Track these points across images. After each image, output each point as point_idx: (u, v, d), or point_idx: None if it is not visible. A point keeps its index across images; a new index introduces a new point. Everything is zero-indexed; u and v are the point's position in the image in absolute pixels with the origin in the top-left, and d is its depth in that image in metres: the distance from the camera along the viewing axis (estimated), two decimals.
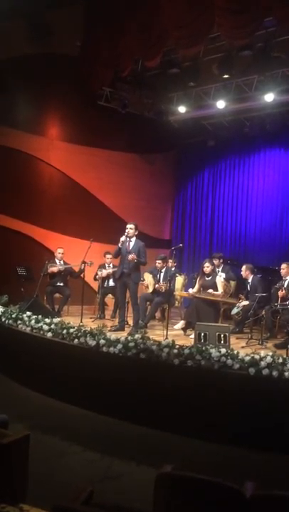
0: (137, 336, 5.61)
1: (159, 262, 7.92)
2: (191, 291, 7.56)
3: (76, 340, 5.87)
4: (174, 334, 6.83)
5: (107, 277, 8.39)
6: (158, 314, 8.26)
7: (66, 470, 4.11)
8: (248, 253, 10.41)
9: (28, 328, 6.48)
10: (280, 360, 4.86)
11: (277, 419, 4.65)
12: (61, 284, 8.28)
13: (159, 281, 7.84)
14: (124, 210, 10.45)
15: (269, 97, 8.41)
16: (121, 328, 7.07)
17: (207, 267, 7.31)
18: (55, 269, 8.20)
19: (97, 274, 8.45)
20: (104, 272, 8.37)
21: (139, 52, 7.68)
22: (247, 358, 4.96)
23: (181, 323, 7.50)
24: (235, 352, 5.13)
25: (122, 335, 5.97)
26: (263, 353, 5.04)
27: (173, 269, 8.34)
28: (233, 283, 8.40)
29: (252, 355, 5.00)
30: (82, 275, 7.96)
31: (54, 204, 9.78)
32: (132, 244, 7.01)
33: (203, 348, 5.16)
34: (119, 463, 4.31)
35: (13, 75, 8.65)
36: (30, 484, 2.94)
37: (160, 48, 7.32)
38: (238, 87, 8.80)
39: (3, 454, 2.74)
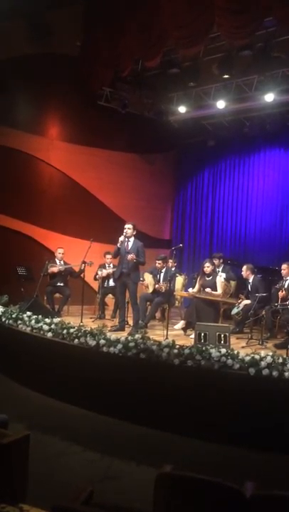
0: (137, 336, 5.61)
1: (159, 262, 7.92)
2: (191, 291, 7.56)
3: (76, 340, 5.87)
4: (174, 334, 6.83)
5: (107, 277, 8.39)
6: (158, 314, 8.26)
7: (66, 470, 4.11)
8: (248, 253, 10.41)
9: (28, 328, 6.48)
10: (280, 360, 4.86)
11: (277, 419, 4.65)
12: (61, 284, 8.28)
13: (159, 281, 7.84)
14: (124, 210, 10.45)
15: (269, 97, 8.41)
16: (121, 328, 7.07)
17: (207, 267, 7.31)
18: (55, 269, 8.20)
19: (97, 274, 8.45)
20: (104, 272, 8.37)
21: (139, 53, 7.67)
22: (247, 358, 4.96)
23: (181, 323, 7.50)
24: (236, 352, 5.13)
25: (122, 335, 5.97)
26: (263, 353, 5.04)
27: (173, 269, 8.34)
28: (233, 283, 8.40)
29: (252, 355, 5.00)
30: (82, 275, 7.96)
31: (54, 204, 9.78)
32: (130, 244, 7.02)
33: (204, 348, 5.16)
34: (119, 463, 4.31)
35: (13, 75, 8.65)
36: (30, 484, 2.94)
37: (160, 48, 7.32)
38: (238, 87, 8.80)
39: (3, 454, 2.74)
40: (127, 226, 7.05)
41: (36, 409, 5.59)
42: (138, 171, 10.92)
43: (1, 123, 8.97)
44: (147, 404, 5.25)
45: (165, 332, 6.45)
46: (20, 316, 6.72)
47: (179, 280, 8.72)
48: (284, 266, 7.40)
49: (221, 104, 9.04)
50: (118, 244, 7.04)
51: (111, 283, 8.34)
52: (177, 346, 5.32)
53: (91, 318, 8.00)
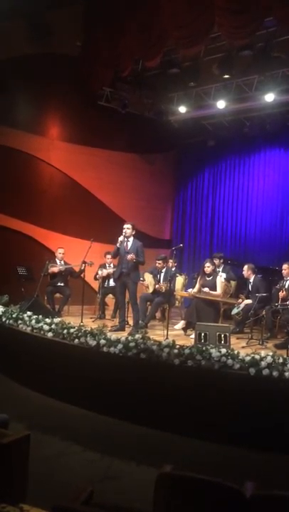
0: (137, 336, 5.61)
1: (160, 262, 7.92)
2: (191, 291, 7.56)
3: (76, 340, 5.87)
4: (175, 334, 6.83)
5: (108, 277, 8.40)
6: (158, 314, 8.26)
7: (66, 470, 4.11)
8: (248, 253, 10.41)
9: (29, 328, 6.48)
10: (281, 360, 4.86)
11: (278, 419, 4.65)
12: (61, 284, 8.28)
13: (159, 281, 7.84)
14: (124, 210, 10.45)
15: (269, 97, 8.41)
16: (121, 328, 7.07)
17: (208, 267, 7.31)
18: (55, 269, 8.20)
19: (97, 273, 8.46)
20: (104, 272, 8.37)
21: (139, 53, 7.68)
22: (247, 358, 4.96)
23: (181, 323, 7.51)
24: (236, 352, 5.13)
25: (123, 335, 5.96)
26: (263, 353, 5.04)
27: (173, 269, 8.34)
28: (233, 283, 8.40)
29: (252, 355, 5.00)
30: (82, 275, 7.95)
31: (54, 204, 9.79)
32: (129, 244, 7.02)
33: (204, 348, 5.16)
34: (120, 463, 4.31)
35: (13, 74, 8.65)
36: (30, 484, 2.94)
37: (160, 48, 7.32)
38: (239, 87, 8.80)
39: (4, 453, 2.74)
40: (126, 226, 7.06)
41: (36, 409, 5.59)
42: (138, 171, 10.92)
43: (2, 123, 8.97)
44: (147, 404, 5.25)
45: (165, 332, 6.45)
46: (21, 316, 6.72)
47: (179, 280, 8.72)
48: (285, 266, 7.40)
49: (221, 104, 9.04)
50: (117, 244, 7.04)
51: (111, 283, 8.34)
52: (177, 346, 5.32)
53: (91, 318, 8.01)
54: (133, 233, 7.06)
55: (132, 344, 5.42)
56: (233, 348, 5.46)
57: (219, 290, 7.20)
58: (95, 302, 8.64)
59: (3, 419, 3.50)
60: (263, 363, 4.83)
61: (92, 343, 5.69)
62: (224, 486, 2.32)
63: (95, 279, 8.54)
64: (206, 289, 7.16)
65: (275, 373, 4.75)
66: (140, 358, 5.36)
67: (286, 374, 4.74)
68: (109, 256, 8.28)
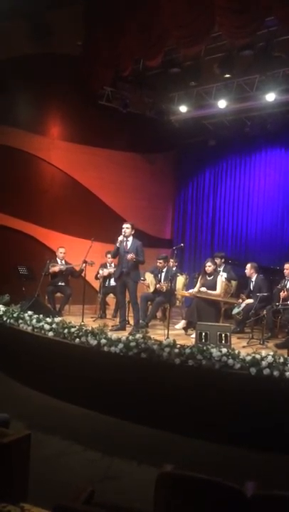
0: (138, 335, 5.61)
1: (160, 261, 7.92)
2: (192, 290, 7.56)
3: (77, 339, 5.87)
4: (175, 334, 6.83)
5: (109, 277, 8.40)
6: (159, 314, 8.26)
7: (67, 469, 4.12)
8: (249, 253, 10.41)
9: (30, 328, 6.48)
10: (281, 360, 4.86)
11: (278, 419, 4.65)
12: (62, 284, 8.29)
13: (160, 280, 7.84)
14: (125, 210, 10.45)
15: (270, 97, 8.40)
16: (122, 328, 7.07)
17: (209, 267, 7.31)
18: (56, 268, 8.20)
19: (98, 273, 8.46)
20: (105, 272, 8.37)
21: (139, 52, 7.67)
22: (248, 358, 4.95)
23: (182, 323, 7.51)
24: (237, 352, 5.12)
25: (123, 334, 5.96)
26: (264, 352, 5.04)
27: (174, 268, 8.33)
28: (234, 283, 8.40)
29: (253, 354, 5.00)
30: (83, 274, 7.95)
31: (55, 203, 9.79)
32: (129, 243, 7.03)
33: (204, 348, 5.16)
34: (120, 462, 4.31)
35: (13, 74, 8.66)
36: (30, 483, 2.94)
37: (161, 48, 7.31)
38: (239, 87, 8.79)
39: (4, 453, 2.74)
40: (125, 226, 7.06)
41: (37, 409, 5.60)
42: (139, 170, 10.92)
43: (2, 122, 8.98)
44: (148, 403, 5.25)
45: (166, 332, 6.45)
46: (22, 316, 6.72)
47: (180, 280, 8.72)
48: (286, 265, 7.40)
49: (222, 104, 9.04)
50: (117, 244, 7.05)
51: (112, 282, 8.34)
52: (178, 346, 5.32)
53: (92, 317, 8.01)
54: (132, 233, 7.07)
55: (132, 344, 5.42)
56: (234, 347, 5.45)
57: (218, 290, 7.19)
58: (95, 302, 8.64)
59: (4, 419, 3.51)
60: (264, 363, 4.82)
61: (93, 342, 5.69)
62: (225, 485, 2.32)
63: (96, 278, 8.54)
64: (204, 289, 7.16)
65: (275, 373, 4.75)
66: (141, 358, 5.36)
67: (287, 374, 4.74)
68: (110, 255, 8.29)
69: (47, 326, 6.27)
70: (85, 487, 2.57)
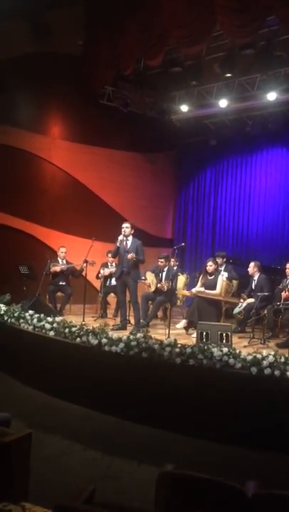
0: (139, 335, 5.61)
1: (162, 260, 7.92)
2: (194, 290, 7.55)
3: (78, 339, 5.87)
4: (176, 333, 6.82)
5: (110, 276, 8.40)
6: (160, 313, 8.26)
7: (67, 469, 4.12)
8: (250, 252, 10.40)
9: (31, 327, 6.48)
10: (282, 360, 4.85)
11: (279, 419, 4.64)
12: (63, 283, 8.29)
13: (161, 280, 7.84)
14: (125, 209, 10.45)
15: (271, 96, 8.39)
16: (123, 328, 7.07)
17: (210, 266, 7.31)
18: (57, 268, 8.21)
19: (99, 272, 8.46)
20: (106, 271, 8.37)
21: (139, 52, 7.67)
22: (249, 358, 4.95)
23: (183, 323, 7.50)
24: (237, 351, 5.12)
25: (124, 334, 5.96)
26: (265, 352, 5.03)
27: (175, 268, 8.33)
28: (235, 282, 8.39)
29: (254, 354, 4.99)
30: (84, 273, 7.95)
31: (56, 203, 9.79)
32: (129, 243, 7.03)
33: (205, 347, 5.15)
34: (120, 462, 4.31)
35: (14, 74, 8.66)
36: (31, 483, 2.94)
37: (161, 48, 7.30)
38: (241, 86, 8.78)
39: (5, 452, 2.74)
40: (124, 225, 7.07)
41: (38, 408, 5.60)
42: (140, 170, 10.92)
43: (3, 122, 8.98)
44: (148, 403, 5.25)
45: (167, 331, 6.44)
46: (23, 315, 6.72)
47: (181, 279, 8.71)
48: (288, 265, 7.38)
49: (223, 103, 9.04)
50: (117, 244, 7.05)
51: (113, 282, 8.34)
52: (179, 345, 5.32)
53: (93, 317, 8.01)
54: (132, 232, 7.07)
55: (133, 343, 5.42)
56: (235, 347, 5.45)
57: (218, 289, 7.18)
58: (96, 301, 8.64)
59: (5, 418, 3.51)
60: (265, 363, 4.82)
61: (94, 342, 5.68)
62: (225, 485, 2.32)
63: (97, 278, 8.55)
64: (202, 289, 7.17)
65: (276, 372, 4.74)
66: (142, 357, 5.35)
67: (288, 373, 4.73)
68: (110, 255, 8.29)
69: (48, 326, 6.27)
70: (86, 486, 2.57)
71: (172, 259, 8.26)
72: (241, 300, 7.45)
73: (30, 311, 6.78)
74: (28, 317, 6.63)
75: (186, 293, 8.24)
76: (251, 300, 7.28)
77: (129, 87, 9.55)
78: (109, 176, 10.38)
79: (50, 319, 6.43)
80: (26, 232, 9.45)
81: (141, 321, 7.19)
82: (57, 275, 8.25)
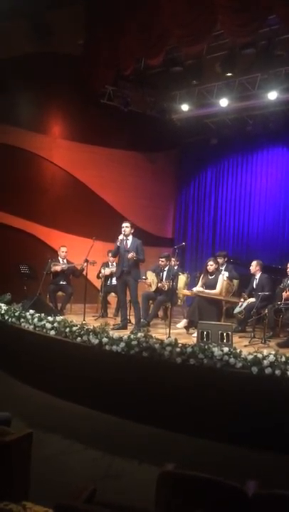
0: (139, 334, 5.61)
1: (162, 260, 7.92)
2: (195, 289, 7.55)
3: (79, 338, 5.87)
4: (177, 333, 6.82)
5: (110, 276, 8.40)
6: (160, 313, 8.26)
7: (67, 468, 4.12)
8: (250, 252, 10.39)
9: (31, 327, 6.49)
10: (283, 359, 4.85)
11: (279, 419, 4.64)
12: (64, 283, 8.30)
13: (161, 279, 7.84)
14: (126, 209, 10.45)
15: (272, 95, 8.39)
16: (123, 327, 7.06)
17: (211, 266, 7.31)
18: (58, 267, 8.21)
19: (100, 272, 8.47)
20: (107, 271, 8.37)
21: (140, 52, 7.66)
22: (250, 357, 4.94)
23: (183, 322, 7.50)
24: (238, 351, 5.12)
25: (125, 333, 5.96)
26: (265, 351, 5.03)
27: (176, 267, 8.33)
28: (236, 282, 8.38)
29: (254, 354, 4.99)
30: (84, 273, 7.95)
31: (56, 202, 9.79)
32: (129, 242, 7.04)
33: (206, 347, 5.15)
34: (121, 461, 4.31)
35: (14, 74, 8.67)
36: (31, 482, 2.95)
37: (162, 47, 7.29)
38: (241, 86, 8.78)
39: (6, 452, 2.74)
40: (124, 225, 7.07)
41: (38, 408, 5.60)
42: (140, 169, 10.91)
43: (4, 121, 8.98)
44: (149, 403, 5.25)
45: (167, 330, 6.44)
46: (23, 315, 6.72)
47: (182, 279, 8.71)
48: None
49: (223, 103, 9.03)
50: (118, 243, 7.05)
51: (114, 281, 8.34)
52: (179, 345, 5.31)
53: (93, 316, 8.01)
54: (132, 231, 7.08)
55: (134, 343, 5.42)
56: (236, 346, 5.45)
57: (218, 288, 7.18)
58: (97, 301, 8.64)
59: (6, 418, 3.51)
60: (266, 362, 4.82)
61: (95, 341, 5.69)
62: (226, 484, 2.32)
63: (98, 277, 8.55)
64: (201, 289, 7.17)
65: (277, 372, 4.74)
66: (142, 357, 5.36)
67: (288, 373, 4.73)
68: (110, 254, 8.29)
69: (48, 325, 6.27)
70: (87, 486, 2.57)
71: (173, 259, 8.26)
72: (242, 299, 7.44)
73: (31, 311, 6.79)
74: (29, 316, 6.63)
75: (187, 292, 8.24)
76: (252, 299, 7.27)
77: (130, 86, 9.55)
78: (109, 175, 10.38)
79: (50, 319, 6.43)
80: (27, 232, 9.46)
81: (141, 320, 7.20)
82: (57, 275, 8.25)
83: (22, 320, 6.67)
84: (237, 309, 7.50)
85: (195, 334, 6.30)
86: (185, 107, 9.74)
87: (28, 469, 2.96)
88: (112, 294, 8.47)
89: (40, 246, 9.54)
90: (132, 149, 10.72)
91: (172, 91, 9.73)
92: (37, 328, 6.39)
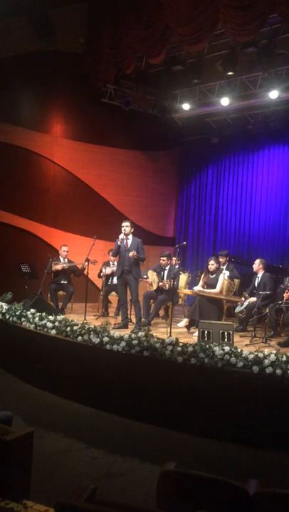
0: (140, 333, 5.61)
1: (164, 258, 7.92)
2: (196, 288, 7.55)
3: (80, 337, 5.87)
4: (178, 332, 6.83)
5: (111, 275, 8.40)
6: (161, 312, 8.26)
7: (69, 467, 4.12)
8: (251, 251, 10.39)
9: (32, 326, 6.49)
10: (284, 359, 4.85)
11: (280, 418, 4.64)
12: (65, 282, 8.30)
13: (162, 278, 7.84)
14: (127, 208, 10.46)
15: (273, 94, 8.38)
16: (124, 327, 7.07)
17: (212, 265, 7.30)
18: (59, 267, 8.21)
19: (101, 271, 8.47)
20: (108, 270, 8.37)
21: (142, 50, 7.67)
22: (250, 356, 4.94)
23: (184, 321, 7.50)
24: (239, 350, 5.12)
25: (126, 332, 5.96)
26: (266, 351, 5.03)
27: (177, 266, 8.33)
28: (237, 281, 8.38)
29: (255, 353, 4.99)
30: (85, 272, 7.95)
31: (57, 201, 9.80)
32: (129, 241, 7.05)
33: (207, 346, 5.15)
34: (122, 460, 4.31)
35: (17, 72, 8.68)
36: (33, 481, 2.95)
37: (164, 46, 7.30)
38: (243, 84, 8.78)
39: (7, 450, 2.74)
40: (124, 224, 7.08)
41: (39, 406, 5.60)
42: (141, 168, 10.92)
43: (5, 120, 8.99)
44: (150, 402, 5.25)
45: (168, 330, 6.44)
46: (24, 314, 6.73)
47: (183, 278, 8.71)
48: None
49: (225, 102, 9.02)
50: (118, 242, 7.05)
51: (115, 281, 8.33)
52: (180, 344, 5.31)
53: (95, 315, 8.01)
54: (132, 230, 7.08)
55: (135, 342, 5.42)
56: (237, 346, 5.45)
57: (218, 288, 7.18)
58: (98, 300, 8.64)
59: (7, 416, 3.51)
60: (267, 361, 4.82)
61: (96, 340, 5.69)
62: (227, 483, 2.32)
63: (99, 276, 8.55)
64: (200, 288, 7.17)
65: (278, 371, 4.74)
66: (143, 356, 5.36)
67: None
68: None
69: (49, 324, 6.27)
70: (88, 485, 2.57)
71: (174, 258, 8.26)
72: (243, 299, 7.44)
73: (32, 310, 6.79)
74: (30, 316, 6.63)
75: (188, 292, 8.24)
76: (253, 299, 7.27)
77: (131, 85, 9.55)
78: (110, 174, 10.39)
79: (51, 318, 6.43)
80: (28, 231, 9.46)
81: (142, 319, 7.20)
82: (59, 274, 8.25)
83: (23, 319, 6.67)
84: (238, 308, 7.50)
85: (196, 333, 6.30)
86: (186, 106, 9.74)
87: (29, 468, 2.95)
88: (113, 293, 8.47)
89: (41, 245, 9.54)
90: (133, 148, 10.72)
91: (173, 90, 9.73)
92: (38, 328, 6.40)
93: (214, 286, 7.20)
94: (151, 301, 7.83)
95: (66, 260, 8.40)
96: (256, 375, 4.81)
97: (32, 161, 9.52)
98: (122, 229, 7.04)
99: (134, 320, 7.29)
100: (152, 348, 5.32)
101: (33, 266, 8.13)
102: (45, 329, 6.29)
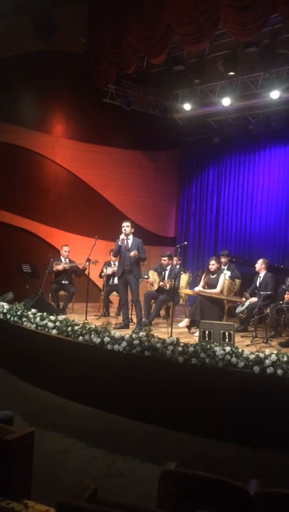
0: (141, 333, 5.61)
1: (165, 258, 7.91)
2: (196, 288, 7.55)
3: (81, 337, 5.88)
4: (179, 332, 6.83)
5: (112, 275, 8.40)
6: (162, 312, 8.26)
7: (70, 467, 4.12)
8: (252, 251, 10.38)
9: (33, 326, 6.49)
10: (285, 359, 4.84)
11: (281, 418, 4.64)
12: (66, 282, 8.30)
13: (163, 278, 7.83)
14: (128, 208, 10.45)
15: (274, 95, 8.38)
16: (125, 327, 7.07)
17: (212, 265, 7.30)
18: (60, 267, 8.22)
19: (102, 271, 8.47)
20: (109, 270, 8.37)
21: (143, 50, 7.67)
22: (251, 357, 4.94)
23: (185, 321, 7.50)
24: (240, 350, 5.11)
25: (127, 332, 5.96)
26: (267, 351, 5.03)
27: (178, 266, 8.33)
28: (238, 281, 8.37)
29: (256, 353, 4.99)
30: (86, 272, 7.95)
31: (58, 201, 9.80)
32: (130, 242, 7.05)
33: (208, 346, 5.15)
34: (123, 460, 4.32)
35: (18, 72, 8.68)
36: (33, 481, 2.95)
37: (165, 45, 7.31)
38: (244, 85, 8.77)
39: (8, 450, 2.74)
40: (125, 224, 7.08)
41: (40, 406, 5.61)
42: (142, 168, 10.92)
43: (6, 120, 8.99)
44: (150, 401, 5.26)
45: (169, 330, 6.44)
46: (25, 314, 6.73)
47: (184, 278, 8.70)
48: None
49: (226, 102, 9.02)
50: (119, 242, 7.06)
51: (116, 281, 8.33)
52: (181, 344, 5.31)
53: (96, 315, 8.01)
54: (132, 231, 7.08)
55: (136, 342, 5.42)
56: (238, 346, 5.45)
57: (218, 288, 7.18)
58: (99, 300, 8.64)
59: (7, 416, 3.51)
60: (267, 362, 4.81)
61: (97, 340, 5.69)
62: (228, 483, 2.32)
63: (100, 276, 8.55)
64: (199, 288, 7.16)
65: (279, 371, 4.74)
66: (144, 356, 5.36)
67: None
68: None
69: (50, 324, 6.28)
70: (89, 484, 2.57)
71: (175, 258, 8.26)
72: (243, 299, 7.43)
73: (33, 310, 6.79)
74: (31, 315, 6.64)
75: (189, 291, 8.24)
76: (254, 299, 7.26)
77: (132, 85, 9.55)
78: (111, 174, 10.39)
79: (52, 318, 6.43)
80: (29, 231, 9.47)
81: (143, 319, 7.20)
82: (60, 274, 8.26)
83: (24, 319, 6.67)
84: (239, 308, 7.50)
85: (197, 333, 6.30)
86: (187, 106, 9.74)
87: (30, 468, 2.96)
88: (114, 293, 8.47)
89: (42, 245, 9.55)
90: (134, 148, 10.72)
91: (174, 90, 9.73)
92: (39, 328, 6.40)
93: (215, 287, 7.19)
94: (152, 301, 7.83)
95: (67, 260, 8.41)
96: (257, 376, 4.81)
97: (33, 161, 9.52)
98: (123, 229, 7.05)
99: (135, 320, 7.29)
100: (153, 348, 5.32)
101: (34, 266, 8.13)
102: (46, 329, 6.29)
